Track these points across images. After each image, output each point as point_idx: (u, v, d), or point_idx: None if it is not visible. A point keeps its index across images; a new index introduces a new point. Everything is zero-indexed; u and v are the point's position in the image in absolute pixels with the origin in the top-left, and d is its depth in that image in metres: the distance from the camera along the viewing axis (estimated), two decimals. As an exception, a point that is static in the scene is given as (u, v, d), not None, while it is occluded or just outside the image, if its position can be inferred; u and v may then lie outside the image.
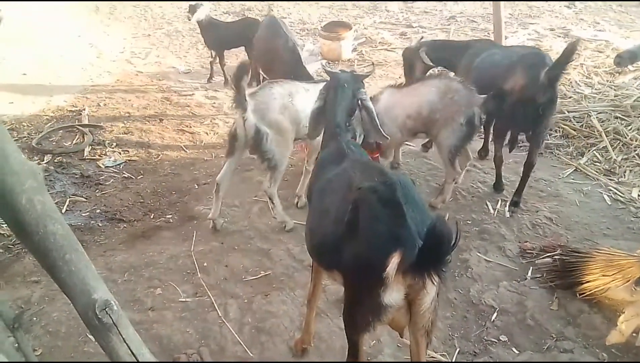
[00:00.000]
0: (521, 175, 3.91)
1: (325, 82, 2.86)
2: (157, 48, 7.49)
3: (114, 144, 4.80)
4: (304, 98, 3.62)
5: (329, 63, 6.84)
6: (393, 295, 1.87)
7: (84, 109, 5.43)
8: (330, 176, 2.35)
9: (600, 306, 2.97)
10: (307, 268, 3.35)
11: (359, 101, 2.73)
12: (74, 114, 5.36)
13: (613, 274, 2.86)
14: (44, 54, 6.88)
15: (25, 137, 4.83)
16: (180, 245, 3.56)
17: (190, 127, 5.22)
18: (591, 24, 8.03)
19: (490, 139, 4.45)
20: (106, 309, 1.53)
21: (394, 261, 1.72)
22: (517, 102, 3.52)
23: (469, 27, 8.09)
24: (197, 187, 4.22)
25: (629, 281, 2.84)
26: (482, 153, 4.69)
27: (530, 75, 3.45)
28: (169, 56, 7.23)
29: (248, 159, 4.53)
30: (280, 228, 3.71)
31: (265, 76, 4.97)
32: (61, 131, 4.96)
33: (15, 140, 4.79)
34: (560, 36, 7.43)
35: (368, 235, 1.90)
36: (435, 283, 1.85)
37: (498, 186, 4.16)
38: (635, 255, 2.85)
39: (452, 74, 4.39)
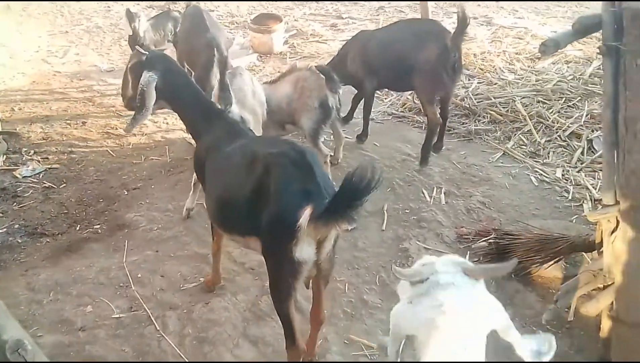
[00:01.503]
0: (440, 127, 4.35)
1: None
2: (76, 46, 7.02)
3: (32, 151, 4.44)
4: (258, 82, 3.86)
5: (261, 56, 6.69)
6: (305, 249, 2.01)
7: (-4, 115, 4.99)
8: (229, 151, 2.47)
9: (534, 285, 3.07)
10: (248, 271, 3.25)
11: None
12: (-16, 121, 4.91)
13: (544, 254, 2.96)
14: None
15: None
16: (111, 257, 3.33)
17: (117, 129, 4.92)
18: (510, 12, 8.31)
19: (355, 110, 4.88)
20: (19, 350, 1.36)
21: (306, 213, 1.88)
22: (436, 68, 3.98)
23: (397, 17, 8.15)
24: (126, 193, 3.97)
25: (559, 260, 2.95)
26: (346, 119, 4.92)
27: (441, 43, 3.94)
28: (89, 54, 6.79)
29: (180, 160, 4.35)
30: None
31: (190, 69, 4.77)
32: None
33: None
34: (483, 24, 7.64)
35: (281, 194, 2.05)
36: (338, 230, 2.05)
37: (425, 159, 4.33)
38: (563, 234, 2.96)
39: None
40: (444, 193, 4.02)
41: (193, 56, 4.53)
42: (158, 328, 2.78)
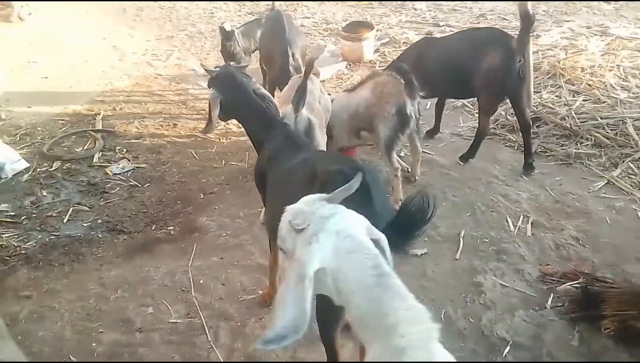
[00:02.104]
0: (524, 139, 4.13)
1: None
2: (179, 50, 7.38)
3: (125, 150, 4.69)
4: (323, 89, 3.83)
5: (350, 64, 6.58)
6: None
7: (99, 114, 5.34)
8: (290, 165, 2.41)
9: (626, 343, 2.63)
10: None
11: (255, 91, 3.00)
12: (89, 118, 5.28)
13: (643, 309, 2.52)
14: (67, 57, 6.88)
15: (38, 142, 4.77)
16: (178, 260, 3.39)
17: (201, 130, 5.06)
18: (632, 20, 7.45)
19: (440, 122, 4.73)
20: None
21: None
22: (499, 76, 3.78)
23: (499, 26, 7.64)
24: (202, 197, 4.04)
25: (660, 319, 2.50)
26: (431, 133, 4.72)
27: (505, 48, 3.73)
28: (189, 58, 7.10)
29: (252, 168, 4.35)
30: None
31: (268, 72, 4.80)
32: (74, 136, 4.88)
33: (27, 146, 4.80)
34: (596, 34, 6.90)
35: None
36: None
37: (468, 156, 4.28)
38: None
39: None
40: (531, 224, 3.63)
41: (269, 60, 4.58)
42: (209, 339, 2.76)
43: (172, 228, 3.70)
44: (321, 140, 3.51)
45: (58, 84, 6.10)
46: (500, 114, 4.93)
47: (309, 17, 8.40)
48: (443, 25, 7.72)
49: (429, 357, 1.23)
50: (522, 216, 3.70)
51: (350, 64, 6.58)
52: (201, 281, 3.19)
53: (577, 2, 8.44)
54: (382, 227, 1.78)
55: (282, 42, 4.51)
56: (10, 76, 6.22)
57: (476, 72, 3.85)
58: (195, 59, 7.08)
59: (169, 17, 8.74)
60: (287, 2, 9.03)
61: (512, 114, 4.86)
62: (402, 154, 4.52)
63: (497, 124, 4.87)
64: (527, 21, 3.61)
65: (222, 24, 5.26)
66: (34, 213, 3.83)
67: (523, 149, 4.21)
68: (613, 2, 8.35)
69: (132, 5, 9.05)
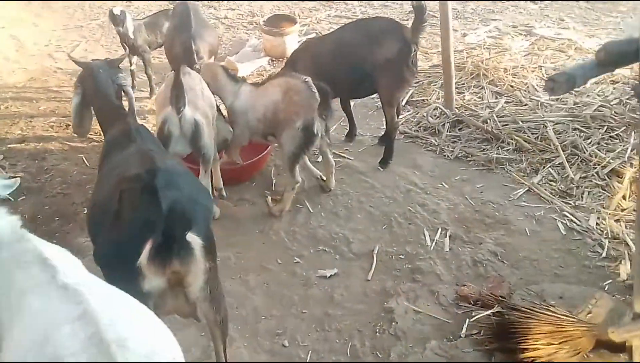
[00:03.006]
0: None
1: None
2: (87, 41, 6.64)
3: (1, 156, 4.02)
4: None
5: (272, 60, 6.12)
6: (151, 283, 1.80)
7: (-21, 114, 4.61)
8: (114, 162, 2.34)
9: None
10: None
11: (120, 87, 2.83)
12: (-35, 119, 4.54)
13: (561, 342, 2.24)
14: (-47, 47, 6.01)
15: None
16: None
17: (101, 134, 4.45)
18: (555, 20, 7.41)
19: (354, 123, 4.40)
20: None
21: (146, 249, 1.72)
22: (397, 66, 3.70)
23: (428, 23, 7.40)
24: (85, 211, 3.48)
25: (578, 353, 2.22)
26: (349, 135, 4.40)
27: (400, 37, 3.68)
28: (98, 51, 6.39)
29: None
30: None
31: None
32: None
33: None
34: (522, 34, 6.78)
35: (124, 225, 1.91)
36: (200, 268, 1.83)
37: (387, 159, 4.03)
38: (587, 323, 2.23)
39: None
40: (449, 236, 3.33)
41: (173, 56, 4.09)
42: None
43: (43, 251, 3.12)
44: (209, 140, 3.14)
45: (-64, 78, 5.26)
46: (423, 116, 4.64)
47: (234, 9, 7.83)
48: (371, 21, 7.40)
49: None
50: (440, 229, 3.40)
51: (272, 60, 6.11)
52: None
53: (505, 1, 8.35)
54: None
55: (186, 37, 4.00)
56: None
57: (373, 65, 3.69)
58: (103, 51, 6.38)
59: (80, 6, 7.90)
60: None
61: (434, 116, 4.59)
62: (318, 159, 4.12)
63: (420, 126, 4.56)
64: (420, 10, 3.62)
65: (111, 8, 4.66)
66: None
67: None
68: (539, 1, 8.32)
69: (40, -7, 8.14)
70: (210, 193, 3.32)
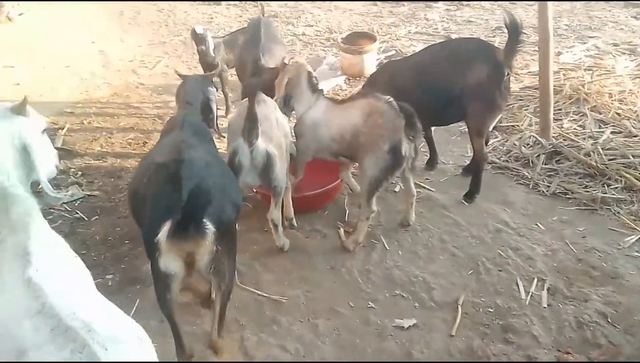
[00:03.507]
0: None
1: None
2: (169, 57, 6.74)
3: (79, 173, 4.04)
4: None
5: (349, 79, 5.88)
6: (170, 263, 2.02)
7: (63, 128, 4.72)
8: (157, 147, 2.65)
9: None
10: None
11: (208, 99, 2.98)
12: (51, 134, 4.64)
13: None
14: (48, 61, 6.29)
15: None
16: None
17: (176, 153, 4.40)
18: (665, 38, 6.63)
19: (436, 149, 4.04)
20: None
21: (165, 229, 1.93)
22: (488, 91, 3.36)
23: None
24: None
25: None
26: (430, 164, 4.04)
27: (492, 60, 3.33)
28: (179, 66, 6.44)
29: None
30: (236, 313, 2.82)
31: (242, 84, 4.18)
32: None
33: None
34: (625, 53, 6.11)
35: (150, 207, 2.12)
36: (208, 244, 2.02)
37: (473, 193, 3.67)
38: None
39: None
40: (548, 290, 2.89)
41: (242, 71, 4.01)
42: None
43: (110, 277, 3.03)
44: (281, 173, 2.91)
45: (29, 92, 5.42)
46: (514, 144, 4.19)
47: (312, 26, 7.71)
48: (455, 39, 6.98)
49: None
50: (536, 280, 2.96)
51: (349, 79, 5.87)
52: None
53: (603, 17, 7.63)
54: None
55: (255, 51, 3.90)
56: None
57: (461, 90, 3.37)
58: (184, 67, 6.44)
59: (165, 22, 8.12)
60: (292, 9, 8.39)
61: (527, 145, 4.14)
62: (396, 189, 3.81)
63: (510, 156, 4.13)
64: (515, 31, 3.22)
65: (194, 26, 4.63)
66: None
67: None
68: (642, 17, 7.52)
69: (130, 7, 8.46)
70: (280, 222, 3.10)
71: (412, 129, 3.00)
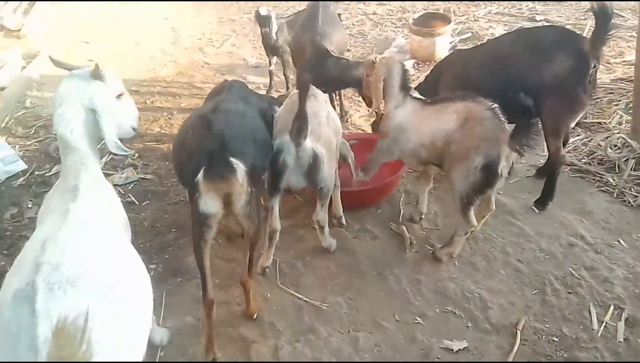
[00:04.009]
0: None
1: None
2: (236, 35, 6.65)
3: (136, 154, 4.05)
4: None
5: (418, 63, 5.49)
6: (209, 203, 2.21)
7: (127, 107, 4.75)
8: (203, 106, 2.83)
9: None
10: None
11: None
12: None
13: None
14: (120, 38, 6.42)
15: (50, 138, 4.26)
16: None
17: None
18: None
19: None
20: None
21: (202, 172, 2.16)
22: (570, 87, 2.95)
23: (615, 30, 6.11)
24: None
25: None
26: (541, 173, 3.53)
27: (575, 50, 2.91)
28: (245, 46, 6.36)
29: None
30: (274, 316, 2.67)
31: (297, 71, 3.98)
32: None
33: (37, 141, 4.30)
34: None
35: (188, 154, 2.32)
36: (242, 183, 2.20)
37: (546, 199, 3.26)
38: None
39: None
40: (626, 320, 2.50)
41: (299, 55, 3.80)
42: None
43: (153, 266, 2.99)
44: (329, 173, 2.69)
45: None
46: (599, 145, 3.69)
47: (384, 4, 7.31)
48: (541, 21, 6.32)
49: None
50: (612, 307, 2.58)
51: (418, 63, 5.49)
52: (162, 353, 2.46)
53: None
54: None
55: (312, 34, 3.68)
56: (65, 56, 5.81)
57: (539, 84, 2.96)
58: (250, 46, 6.33)
59: (237, -2, 8.03)
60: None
61: (614, 146, 3.63)
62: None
63: (593, 158, 3.65)
64: (604, 17, 2.78)
65: (258, 8, 4.45)
66: (9, 231, 3.28)
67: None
68: None
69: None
70: (326, 224, 2.90)
71: (517, 141, 2.50)
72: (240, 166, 2.16)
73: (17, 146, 4.08)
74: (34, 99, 4.88)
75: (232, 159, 2.14)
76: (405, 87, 2.91)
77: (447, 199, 3.43)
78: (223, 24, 7.09)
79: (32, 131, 4.33)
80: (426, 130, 2.77)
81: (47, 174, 3.77)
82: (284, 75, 4.84)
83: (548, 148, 3.22)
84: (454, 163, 2.66)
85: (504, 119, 2.56)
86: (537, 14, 6.58)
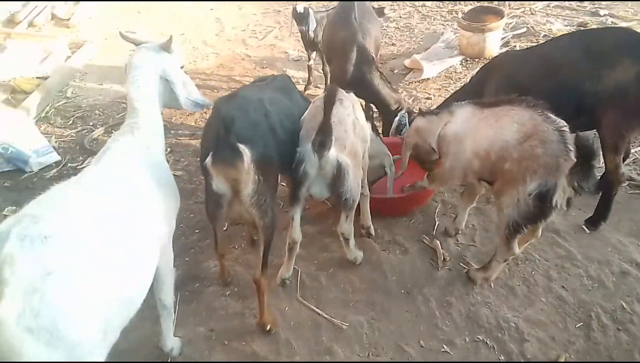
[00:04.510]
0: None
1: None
2: (280, 27, 6.49)
3: (169, 149, 3.98)
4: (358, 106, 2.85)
5: (466, 60, 5.15)
6: (219, 185, 2.20)
7: (166, 100, 4.70)
8: None
9: None
10: None
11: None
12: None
13: None
14: (165, 28, 6.39)
15: (87, 129, 4.25)
16: (156, 322, 2.56)
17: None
18: None
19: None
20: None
21: (210, 157, 2.14)
22: (634, 97, 2.59)
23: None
24: (225, 228, 3.17)
25: None
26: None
27: None
28: (287, 39, 6.18)
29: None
30: (290, 332, 2.50)
31: (331, 70, 3.76)
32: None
33: (75, 132, 4.30)
34: None
35: (204, 139, 2.43)
36: (248, 170, 2.13)
37: (599, 219, 2.93)
38: None
39: None
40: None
41: (332, 53, 3.59)
42: None
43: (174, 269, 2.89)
44: (354, 184, 2.47)
45: (143, 60, 5.60)
46: (663, 159, 3.30)
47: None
48: (604, 15, 5.80)
49: None
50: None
51: (467, 60, 5.15)
52: (169, 361, 2.35)
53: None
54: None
55: (349, 29, 3.46)
56: (102, 46, 5.86)
57: (597, 93, 2.66)
58: (292, 39, 6.14)
59: (283, -12, 7.86)
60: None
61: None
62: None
63: (656, 174, 3.26)
64: None
65: (295, 5, 4.26)
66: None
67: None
68: None
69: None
70: (352, 236, 2.70)
71: (585, 174, 2.15)
72: (246, 152, 2.08)
73: (54, 137, 4.09)
74: (76, 89, 4.91)
75: (238, 144, 2.06)
76: (436, 111, 2.74)
77: (488, 212, 3.16)
78: (268, 15, 6.95)
79: (70, 122, 4.34)
80: (482, 135, 2.43)
81: (79, 167, 3.75)
82: (323, 71, 4.64)
83: (605, 164, 2.87)
84: (505, 184, 2.34)
85: (571, 147, 2.19)
86: (601, 8, 6.04)
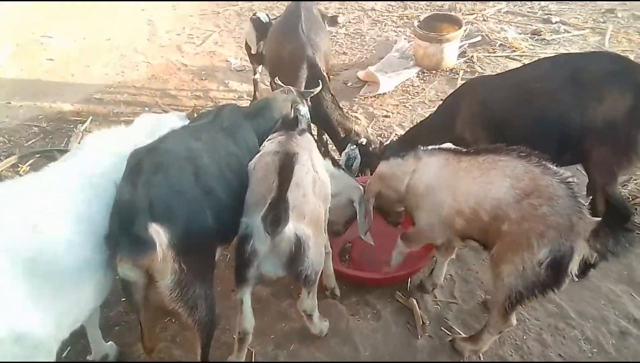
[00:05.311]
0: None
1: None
2: (219, 31, 5.82)
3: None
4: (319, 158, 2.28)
5: (423, 72, 4.73)
6: (124, 271, 1.70)
7: (86, 120, 3.96)
8: None
9: None
10: None
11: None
12: (71, 127, 3.91)
13: None
14: (90, 33, 5.56)
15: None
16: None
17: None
18: None
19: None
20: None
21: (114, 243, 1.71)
22: (624, 131, 2.30)
23: (633, 29, 5.39)
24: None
25: None
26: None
27: (633, 84, 2.29)
28: (228, 44, 5.54)
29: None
30: None
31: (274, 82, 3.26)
32: (37, 156, 3.53)
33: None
34: None
35: (112, 211, 1.77)
36: (165, 259, 1.64)
37: (588, 265, 2.21)
38: None
39: None
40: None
41: (278, 68, 3.09)
42: None
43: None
44: (317, 258, 1.95)
45: (61, 70, 4.79)
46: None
47: (385, -1, 6.48)
48: (556, 23, 5.57)
49: None
50: None
51: (423, 72, 4.73)
52: None
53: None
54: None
55: (297, 41, 3.06)
56: (14, 53, 4.97)
57: (584, 127, 2.36)
58: (234, 45, 5.50)
59: (221, -12, 7.15)
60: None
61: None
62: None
63: None
64: None
65: (254, 13, 3.72)
66: None
67: None
68: None
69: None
70: (315, 311, 2.17)
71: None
72: (161, 236, 1.60)
73: None
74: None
75: (150, 227, 1.58)
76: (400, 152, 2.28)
77: (465, 257, 2.74)
78: (206, 17, 6.24)
79: None
80: (465, 191, 2.00)
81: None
82: (271, 85, 4.07)
83: (593, 206, 2.51)
84: (505, 250, 1.91)
85: (583, 201, 1.80)
86: (551, 14, 5.82)
